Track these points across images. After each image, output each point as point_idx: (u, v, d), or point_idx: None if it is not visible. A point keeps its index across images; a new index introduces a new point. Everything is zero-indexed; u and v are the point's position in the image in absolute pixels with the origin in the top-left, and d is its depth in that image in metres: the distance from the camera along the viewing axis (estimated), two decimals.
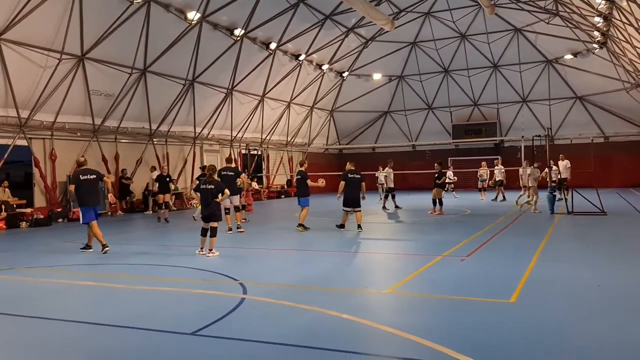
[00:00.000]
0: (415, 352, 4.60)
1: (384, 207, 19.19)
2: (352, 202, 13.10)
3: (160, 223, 16.40)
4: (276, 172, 32.06)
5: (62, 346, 5.05)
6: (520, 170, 18.76)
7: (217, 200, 10.01)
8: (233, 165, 14.10)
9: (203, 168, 15.82)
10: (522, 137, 19.80)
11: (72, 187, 10.74)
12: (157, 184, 17.05)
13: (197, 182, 13.23)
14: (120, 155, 21.48)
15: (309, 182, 13.37)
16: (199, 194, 10.35)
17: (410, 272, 8.07)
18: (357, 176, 13.21)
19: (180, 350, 4.83)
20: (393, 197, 19.38)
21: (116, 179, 21.17)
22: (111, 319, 5.83)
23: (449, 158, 33.33)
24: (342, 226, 13.27)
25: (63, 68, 17.53)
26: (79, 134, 19.66)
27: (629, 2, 17.19)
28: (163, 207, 16.91)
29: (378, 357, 4.54)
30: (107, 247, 10.46)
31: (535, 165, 17.28)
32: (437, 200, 17.17)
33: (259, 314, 5.98)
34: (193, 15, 20.01)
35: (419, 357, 4.47)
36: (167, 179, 17.28)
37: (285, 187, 32.30)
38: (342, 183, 13.12)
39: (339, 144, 37.95)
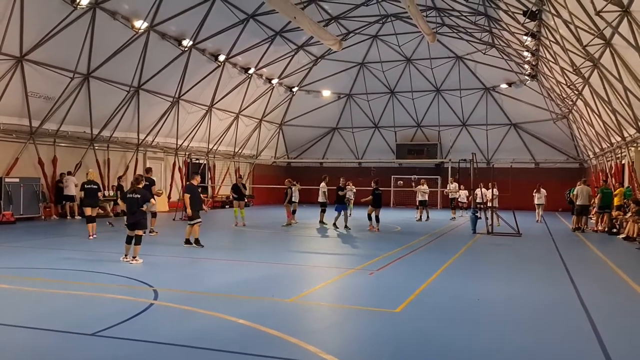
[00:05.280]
0: (291, 353, 5.12)
1: (320, 221, 19.63)
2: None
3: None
4: (222, 183, 32.20)
5: None
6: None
7: (143, 209, 10.30)
8: (151, 176, 15.14)
9: (119, 178, 16.14)
10: (450, 159, 20.98)
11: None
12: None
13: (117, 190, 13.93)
14: (59, 159, 21.21)
15: (340, 193, 18.33)
16: (125, 203, 10.60)
17: (319, 283, 8.64)
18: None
19: (76, 349, 5.18)
20: (322, 212, 19.77)
21: (53, 183, 20.91)
22: (16, 320, 6.08)
23: (392, 176, 34.50)
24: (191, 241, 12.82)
25: (0, 68, 17.32)
26: (14, 135, 19.34)
27: (551, 42, 18.70)
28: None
29: (256, 357, 5.02)
30: None
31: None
32: (369, 216, 17.91)
33: (161, 318, 6.38)
34: (140, 24, 20.11)
35: (294, 357, 4.98)
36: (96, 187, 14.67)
37: (232, 197, 32.34)
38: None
39: (287, 157, 38.51)
